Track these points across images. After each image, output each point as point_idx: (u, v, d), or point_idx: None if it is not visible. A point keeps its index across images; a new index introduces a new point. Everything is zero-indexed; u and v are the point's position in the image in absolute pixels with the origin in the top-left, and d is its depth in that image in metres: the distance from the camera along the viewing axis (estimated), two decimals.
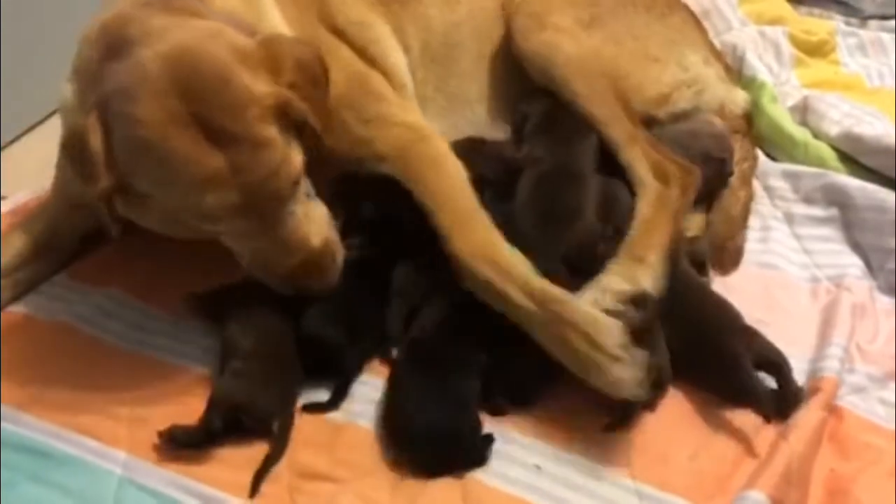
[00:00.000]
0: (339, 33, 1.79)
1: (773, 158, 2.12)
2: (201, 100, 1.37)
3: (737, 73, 2.26)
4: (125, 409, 1.52)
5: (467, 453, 1.44)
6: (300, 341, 1.55)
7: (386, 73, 1.82)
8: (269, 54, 1.46)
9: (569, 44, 1.85)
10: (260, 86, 1.42)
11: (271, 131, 1.42)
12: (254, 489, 1.38)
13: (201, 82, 1.38)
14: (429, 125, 1.75)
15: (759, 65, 2.27)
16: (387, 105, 1.75)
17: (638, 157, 1.75)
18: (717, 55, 2.16)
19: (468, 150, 1.75)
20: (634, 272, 1.57)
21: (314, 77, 1.54)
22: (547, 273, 1.54)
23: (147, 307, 1.71)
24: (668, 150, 1.78)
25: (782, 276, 1.82)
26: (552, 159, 1.75)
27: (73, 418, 1.49)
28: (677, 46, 2.00)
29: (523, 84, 1.90)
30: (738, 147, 2.00)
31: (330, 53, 1.66)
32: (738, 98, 2.08)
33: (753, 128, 2.13)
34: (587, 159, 1.76)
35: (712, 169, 1.84)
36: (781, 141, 2.12)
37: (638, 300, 1.51)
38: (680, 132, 1.89)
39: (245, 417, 1.43)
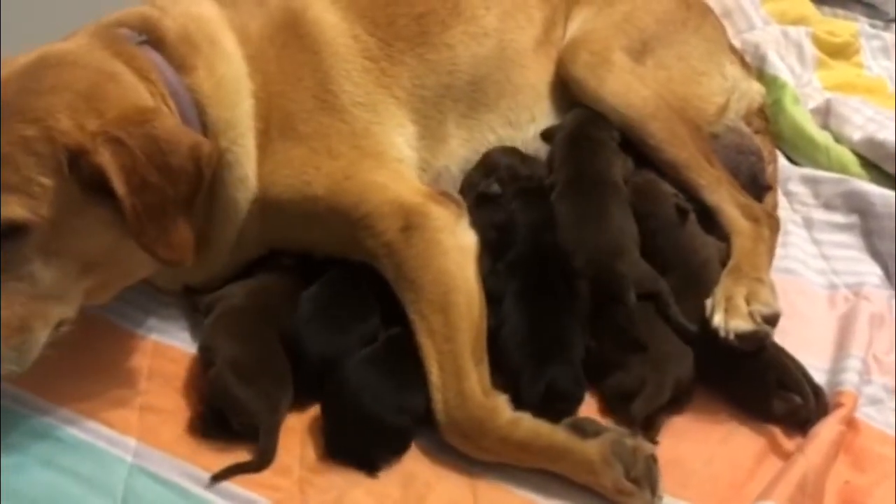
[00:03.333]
0: (338, 113, 1.61)
1: (792, 161, 2.12)
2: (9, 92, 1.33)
3: (757, 71, 2.24)
4: (137, 396, 1.51)
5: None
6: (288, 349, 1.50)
7: (382, 154, 1.63)
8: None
9: (641, 85, 1.82)
10: (68, 121, 1.30)
11: (29, 161, 1.28)
12: (217, 478, 1.36)
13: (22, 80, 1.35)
14: (439, 211, 1.55)
15: (782, 65, 2.25)
16: (380, 194, 1.55)
17: (726, 199, 1.74)
18: (733, 49, 2.16)
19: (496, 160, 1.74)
20: (759, 291, 1.55)
21: (157, 155, 1.33)
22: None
23: (160, 293, 1.69)
24: (742, 190, 1.79)
25: (800, 281, 1.80)
26: (576, 170, 1.72)
27: (85, 404, 1.47)
28: (715, 56, 1.99)
29: (551, 105, 1.87)
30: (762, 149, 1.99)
31: (317, 140, 1.57)
32: (756, 92, 2.07)
33: (773, 127, 2.12)
34: (616, 169, 1.73)
35: (756, 188, 1.86)
36: (803, 144, 2.10)
37: (773, 319, 1.51)
38: (728, 149, 1.88)
39: (230, 417, 1.41)
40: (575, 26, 1.91)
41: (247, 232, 1.59)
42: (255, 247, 1.63)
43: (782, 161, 2.08)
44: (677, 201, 1.69)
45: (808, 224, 1.93)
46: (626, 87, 1.81)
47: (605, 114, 1.81)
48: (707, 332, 1.50)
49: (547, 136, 1.84)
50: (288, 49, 1.62)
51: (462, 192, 1.74)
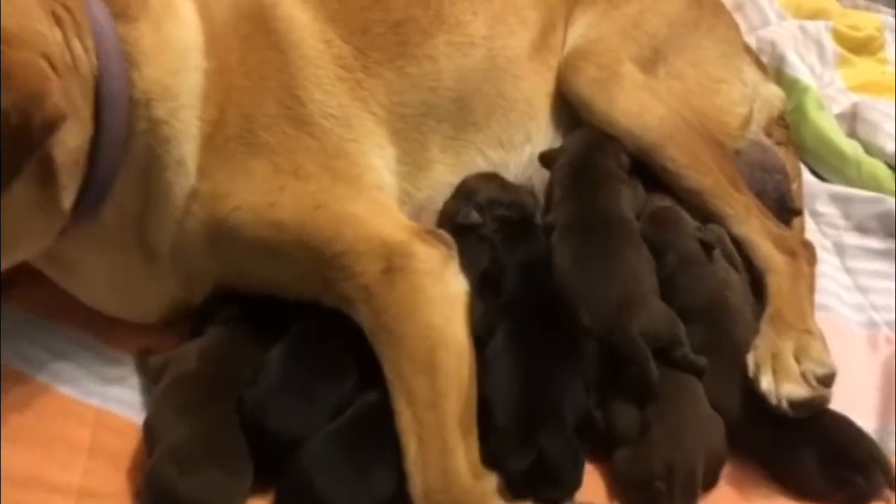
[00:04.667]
0: (306, 124, 1.40)
1: (817, 175, 1.91)
2: None
3: (774, 72, 2.03)
4: (76, 476, 1.29)
5: None
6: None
7: (358, 179, 1.42)
8: None
9: (656, 102, 1.61)
10: None
11: None
12: None
13: None
14: (426, 252, 1.34)
15: (802, 65, 2.04)
16: (358, 228, 1.34)
17: (757, 231, 1.54)
18: (748, 48, 1.96)
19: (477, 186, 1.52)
20: (810, 346, 1.35)
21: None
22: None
23: (106, 349, 1.46)
24: (773, 217, 1.58)
25: (834, 319, 1.58)
26: (580, 206, 1.51)
27: (12, 489, 1.26)
28: (733, 59, 1.78)
29: (549, 121, 1.67)
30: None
31: (281, 154, 1.36)
32: (776, 97, 1.87)
33: (795, 136, 1.91)
34: (626, 203, 1.52)
35: (784, 211, 1.66)
36: (829, 156, 1.89)
37: (828, 380, 1.31)
38: (751, 167, 1.68)
39: None
40: (577, 32, 1.69)
41: (196, 254, 1.38)
42: (209, 277, 1.42)
43: (807, 176, 1.87)
44: (701, 235, 1.48)
45: (840, 250, 1.73)
46: (640, 106, 1.60)
47: (618, 137, 1.60)
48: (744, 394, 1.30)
49: (546, 160, 1.63)
50: (252, 42, 1.42)
51: (440, 226, 1.54)
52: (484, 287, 1.41)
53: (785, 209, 1.67)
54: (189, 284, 1.42)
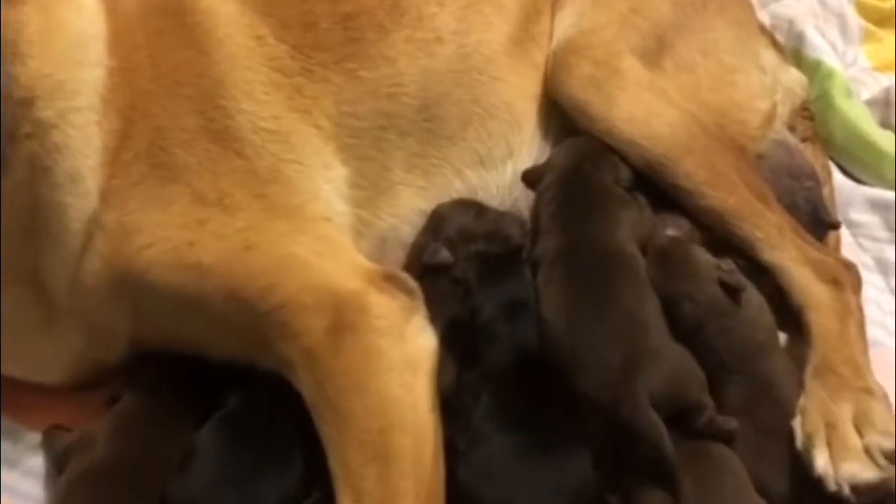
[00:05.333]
0: (232, 140, 1.19)
1: (850, 176, 1.65)
2: None
3: (793, 54, 1.77)
4: None
5: None
6: None
7: (300, 210, 1.20)
8: None
9: (665, 103, 1.35)
10: None
11: None
12: None
13: None
14: (383, 303, 1.13)
15: (825, 45, 1.77)
16: (300, 274, 1.13)
17: (793, 257, 1.29)
18: (762, 28, 1.69)
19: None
20: (871, 410, 1.12)
21: None
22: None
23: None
24: (810, 237, 1.33)
25: (881, 354, 1.33)
26: (570, 236, 1.23)
27: None
28: (748, 43, 1.50)
29: (536, 130, 1.40)
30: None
31: (201, 178, 1.16)
32: (797, 84, 1.59)
33: (821, 129, 1.63)
34: (626, 231, 1.24)
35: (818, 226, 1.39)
36: (863, 152, 1.63)
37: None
38: (777, 173, 1.41)
39: None
40: (567, 21, 1.41)
41: (100, 301, 1.18)
42: (119, 331, 1.21)
43: (838, 178, 1.61)
44: (723, 275, 1.21)
45: (883, 267, 1.48)
46: (646, 111, 1.34)
47: (620, 149, 1.33)
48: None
49: (530, 179, 1.36)
50: (166, 39, 1.23)
51: (411, 263, 1.31)
52: (455, 340, 1.18)
53: (820, 223, 1.42)
54: (97, 339, 1.22)
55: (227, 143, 1.19)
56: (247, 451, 1.11)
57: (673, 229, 1.32)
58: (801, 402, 1.14)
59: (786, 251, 1.30)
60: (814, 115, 1.62)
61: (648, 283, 1.19)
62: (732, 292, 1.20)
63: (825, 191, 1.51)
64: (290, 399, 1.12)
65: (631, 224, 1.25)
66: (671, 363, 1.11)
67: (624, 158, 1.32)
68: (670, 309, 1.18)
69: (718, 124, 1.37)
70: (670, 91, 1.36)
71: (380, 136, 1.30)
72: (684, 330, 1.17)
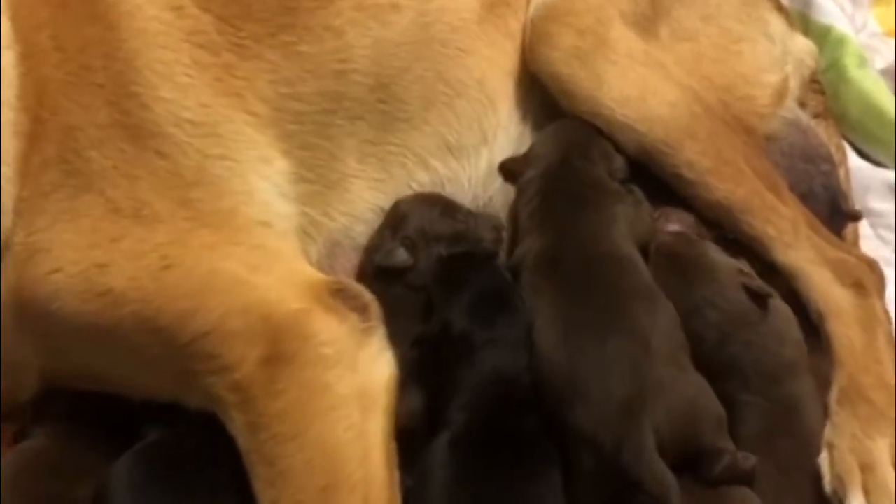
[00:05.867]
0: (150, 136, 1.01)
1: (866, 157, 1.47)
2: None
3: (800, 19, 1.56)
4: None
5: None
6: None
7: (232, 216, 1.02)
8: None
9: (662, 79, 1.17)
10: None
11: None
12: None
13: None
14: (329, 327, 0.95)
15: (835, 7, 1.58)
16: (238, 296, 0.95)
17: (811, 257, 1.13)
18: None
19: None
20: None
21: None
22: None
23: None
24: (828, 232, 1.17)
25: None
26: (556, 239, 1.05)
27: None
28: (753, 7, 1.32)
29: (513, 112, 1.21)
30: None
31: (115, 184, 0.98)
32: (805, 53, 1.41)
33: (832, 104, 1.45)
34: (623, 232, 1.06)
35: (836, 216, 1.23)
36: (880, 130, 1.45)
37: None
38: (789, 157, 1.24)
39: None
40: None
41: (6, 332, 1.01)
42: (28, 366, 1.05)
43: (852, 159, 1.43)
44: (746, 280, 1.04)
45: None
46: (640, 88, 1.16)
47: (611, 134, 1.16)
48: None
49: (508, 171, 1.18)
50: (70, 14, 1.05)
51: (363, 270, 1.13)
52: (422, 362, 1.02)
53: (838, 214, 1.25)
54: (5, 373, 1.04)
55: (144, 140, 1.00)
56: (166, 494, 0.94)
57: (676, 225, 1.14)
58: (828, 434, 0.99)
59: (802, 250, 1.14)
60: (824, 89, 1.45)
61: (658, 290, 1.01)
62: (758, 299, 1.03)
63: (841, 173, 1.34)
64: (222, 433, 0.95)
65: (627, 222, 1.07)
66: (684, 398, 0.93)
67: (616, 145, 1.15)
68: (687, 320, 1.01)
69: (723, 102, 1.20)
70: (668, 64, 1.19)
71: (326, 122, 1.11)
72: (706, 343, 1.00)
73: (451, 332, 1.00)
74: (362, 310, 0.98)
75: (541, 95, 1.21)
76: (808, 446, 0.98)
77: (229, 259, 0.97)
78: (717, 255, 1.07)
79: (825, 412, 1.01)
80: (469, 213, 1.13)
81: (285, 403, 0.90)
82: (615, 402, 0.90)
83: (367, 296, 1.00)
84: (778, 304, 1.05)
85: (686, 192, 1.14)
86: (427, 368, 1.02)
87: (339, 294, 0.98)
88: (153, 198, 0.98)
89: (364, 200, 1.14)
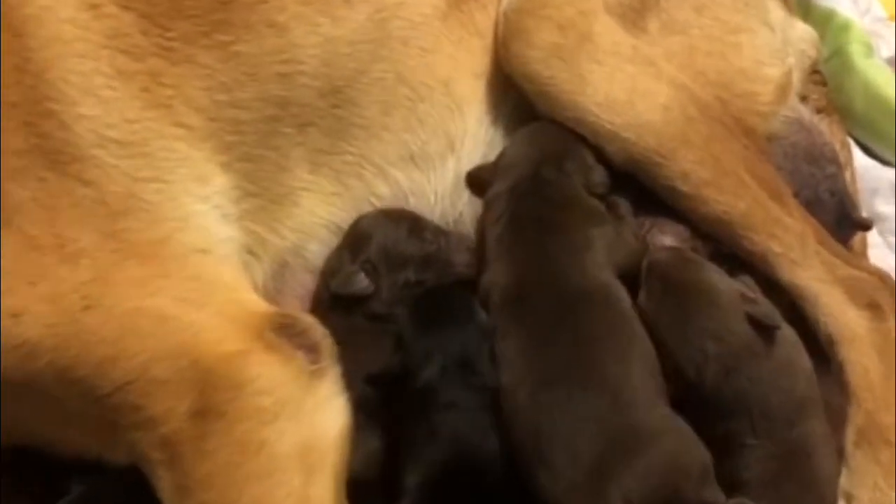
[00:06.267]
0: (71, 161, 0.88)
1: (871, 154, 1.36)
2: None
3: (798, 2, 1.43)
4: None
5: None
6: None
7: (163, 246, 0.90)
8: None
9: (652, 78, 1.04)
10: None
11: None
12: None
13: None
14: (270, 371, 0.83)
15: None
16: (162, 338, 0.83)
17: (819, 276, 1.02)
18: None
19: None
20: None
21: None
22: None
23: None
24: (838, 246, 1.05)
25: None
26: (524, 269, 0.93)
27: None
28: None
29: (483, 118, 1.09)
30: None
31: (33, 219, 0.86)
32: (806, 42, 1.28)
33: (835, 97, 1.33)
34: (601, 257, 0.94)
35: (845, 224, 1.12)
36: (887, 124, 1.35)
37: None
38: (793, 158, 1.12)
39: None
40: None
41: None
42: None
43: (858, 157, 1.31)
44: (750, 308, 0.92)
45: None
46: (629, 89, 1.03)
47: (596, 142, 1.04)
48: None
49: (478, 180, 1.05)
50: None
51: (318, 296, 1.02)
52: (375, 404, 0.91)
53: (846, 222, 1.12)
54: None
55: (65, 165, 0.88)
56: None
57: (669, 238, 1.02)
58: (845, 483, 0.90)
59: (810, 268, 1.02)
60: (826, 80, 1.32)
61: (635, 325, 0.90)
62: (764, 330, 0.91)
63: (847, 176, 1.22)
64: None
65: (605, 246, 0.95)
66: (664, 451, 0.82)
67: (601, 154, 1.03)
68: (683, 352, 0.89)
69: (720, 101, 1.07)
70: (659, 61, 1.06)
71: (271, 130, 0.99)
72: (706, 379, 0.89)
73: (415, 382, 0.88)
74: (311, 348, 0.86)
75: (515, 99, 1.08)
76: (820, 496, 0.88)
77: (158, 294, 0.85)
78: (717, 277, 0.95)
79: (840, 456, 0.90)
80: (439, 232, 1.01)
81: (215, 465, 0.78)
82: (582, 468, 0.80)
83: (318, 331, 0.87)
84: (785, 332, 0.93)
85: (680, 206, 1.02)
86: (384, 410, 0.90)
87: (284, 329, 0.86)
88: (76, 231, 0.86)
89: (316, 216, 1.01)
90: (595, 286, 0.91)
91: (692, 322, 0.91)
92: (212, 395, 0.80)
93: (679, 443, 0.84)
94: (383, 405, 0.90)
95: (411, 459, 0.84)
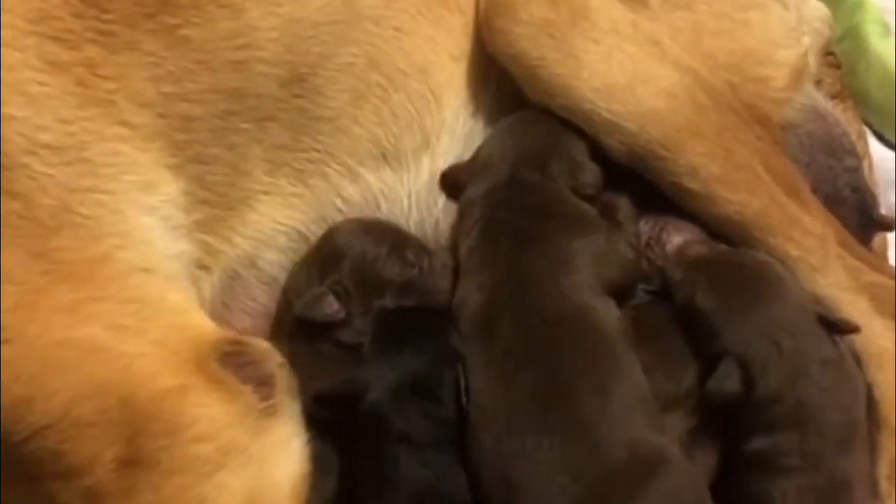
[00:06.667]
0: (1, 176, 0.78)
1: (888, 143, 1.25)
2: None
3: None
4: None
5: None
6: None
7: (101, 266, 0.78)
8: None
9: (656, 61, 0.92)
10: None
11: None
12: None
13: None
14: (212, 412, 0.72)
15: None
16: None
17: (842, 283, 0.91)
18: None
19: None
20: None
21: None
22: None
23: None
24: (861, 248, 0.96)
25: None
26: (504, 290, 0.81)
27: None
28: None
29: (461, 109, 0.97)
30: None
31: None
32: (819, 20, 1.15)
33: (849, 82, 1.22)
34: (588, 275, 0.82)
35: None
36: None
37: None
38: (809, 149, 1.01)
39: None
40: None
41: None
42: None
43: (874, 145, 1.21)
44: (821, 309, 0.84)
45: None
46: (629, 73, 0.91)
47: (592, 134, 0.92)
48: None
49: (451, 182, 0.93)
50: None
51: (280, 316, 0.91)
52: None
53: (868, 222, 1.02)
54: None
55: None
56: None
57: (680, 239, 0.92)
58: None
59: (832, 274, 0.92)
60: (840, 62, 1.21)
61: (619, 352, 0.79)
62: (838, 332, 0.82)
63: (865, 165, 1.12)
64: None
65: (593, 261, 0.83)
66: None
67: (597, 147, 0.91)
68: (747, 348, 0.79)
69: (731, 86, 0.96)
70: (662, 39, 0.94)
71: (227, 126, 0.87)
72: (770, 382, 0.78)
73: (363, 403, 0.77)
74: (263, 380, 0.75)
75: (498, 85, 0.97)
76: None
77: (89, 322, 0.74)
78: (782, 268, 0.86)
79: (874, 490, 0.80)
80: (422, 251, 0.89)
81: None
82: None
83: (273, 360, 0.77)
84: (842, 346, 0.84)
85: (688, 205, 0.91)
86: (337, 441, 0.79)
87: (231, 359, 0.75)
88: (2, 253, 0.74)
89: (274, 221, 0.90)
90: (574, 310, 0.79)
91: (765, 312, 0.81)
92: (143, 441, 0.70)
93: (670, 487, 0.72)
94: (336, 433, 0.79)
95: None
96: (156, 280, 0.80)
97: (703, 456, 0.81)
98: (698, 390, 0.81)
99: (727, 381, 0.77)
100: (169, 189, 0.84)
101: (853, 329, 0.84)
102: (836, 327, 0.83)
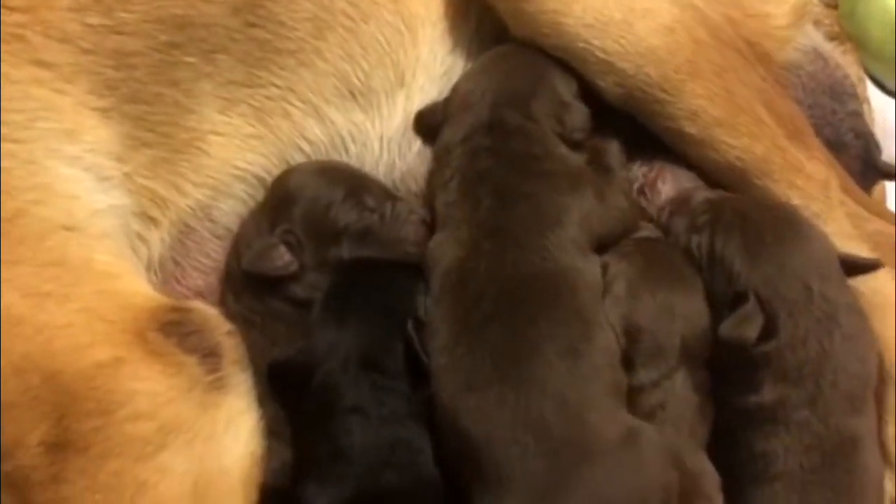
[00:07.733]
0: None
1: (887, 90, 1.18)
2: None
3: None
4: None
5: None
6: None
7: (14, 222, 0.69)
8: None
9: (660, 2, 0.84)
10: None
11: None
12: None
13: None
14: (152, 386, 0.65)
15: None
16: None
17: (844, 231, 0.86)
18: None
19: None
20: None
21: None
22: None
23: None
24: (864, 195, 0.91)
25: None
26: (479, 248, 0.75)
27: None
28: None
29: (438, 41, 0.88)
30: None
31: None
32: None
33: (848, 25, 1.15)
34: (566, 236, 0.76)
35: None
36: None
37: None
38: (811, 92, 0.96)
39: None
40: None
41: None
42: None
43: (875, 94, 1.14)
44: (845, 254, 0.80)
45: None
46: (624, 7, 0.84)
47: (584, 74, 0.85)
48: None
49: (429, 125, 0.86)
50: None
51: (229, 272, 0.83)
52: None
53: (870, 167, 0.97)
54: None
55: None
56: None
57: (669, 188, 0.85)
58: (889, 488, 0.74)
59: (834, 221, 0.87)
60: (838, 3, 1.15)
61: (596, 315, 0.74)
62: (863, 272, 0.79)
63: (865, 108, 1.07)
64: None
65: (581, 217, 0.77)
66: (625, 471, 0.66)
67: (591, 89, 0.83)
68: (776, 293, 0.74)
69: (730, 21, 0.88)
70: None
71: (169, 60, 0.78)
72: (799, 327, 0.74)
73: (317, 374, 0.71)
74: (210, 351, 0.68)
75: (479, 19, 0.89)
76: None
77: (2, 289, 0.65)
78: (806, 227, 0.81)
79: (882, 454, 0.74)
80: (384, 196, 0.82)
81: None
82: (525, 491, 0.64)
83: (220, 328, 0.70)
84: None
85: (685, 151, 0.84)
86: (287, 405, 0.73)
87: (173, 327, 0.68)
88: None
89: (230, 165, 0.82)
90: (554, 269, 0.74)
91: (795, 254, 0.76)
92: (72, 421, 0.62)
93: (642, 461, 0.68)
94: (287, 403, 0.73)
95: (315, 478, 0.67)
96: (81, 239, 0.72)
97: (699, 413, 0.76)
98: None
99: (747, 325, 0.71)
100: (96, 135, 0.76)
101: (876, 266, 0.79)
102: (859, 268, 0.78)
